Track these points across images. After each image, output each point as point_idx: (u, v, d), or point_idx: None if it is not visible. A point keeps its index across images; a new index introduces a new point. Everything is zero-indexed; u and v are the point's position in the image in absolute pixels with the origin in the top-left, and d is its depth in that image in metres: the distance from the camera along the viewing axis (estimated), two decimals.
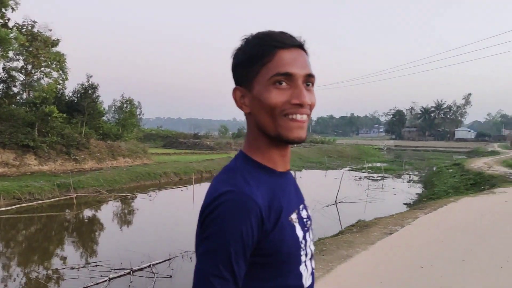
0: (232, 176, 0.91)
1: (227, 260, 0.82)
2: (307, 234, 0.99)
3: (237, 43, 0.98)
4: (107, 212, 13.21)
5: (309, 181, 23.74)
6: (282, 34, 0.94)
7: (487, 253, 5.59)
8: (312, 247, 1.03)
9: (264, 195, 0.88)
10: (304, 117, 0.93)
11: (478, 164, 22.28)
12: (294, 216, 0.95)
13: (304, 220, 1.00)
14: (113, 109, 34.73)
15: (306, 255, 0.98)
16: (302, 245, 0.96)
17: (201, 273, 0.84)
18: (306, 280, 0.98)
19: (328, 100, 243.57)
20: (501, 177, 15.83)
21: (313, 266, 1.04)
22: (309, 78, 0.93)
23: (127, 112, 31.14)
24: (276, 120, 0.91)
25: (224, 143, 43.94)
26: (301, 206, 1.02)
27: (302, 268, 0.96)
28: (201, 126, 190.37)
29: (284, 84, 0.90)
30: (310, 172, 27.56)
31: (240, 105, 0.98)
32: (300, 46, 0.95)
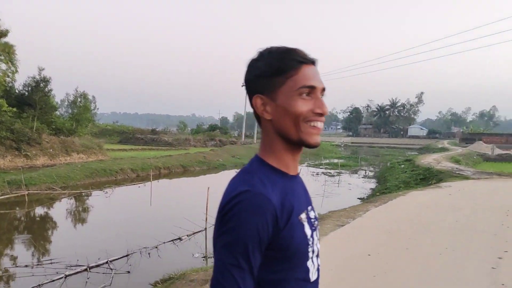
0: (249, 177, 1.01)
1: (245, 252, 0.93)
2: (314, 233, 1.09)
3: (248, 52, 1.11)
4: (61, 210, 12.79)
5: None
6: (302, 51, 1.07)
7: (428, 242, 6.02)
8: (319, 246, 1.13)
9: (277, 196, 0.99)
10: (322, 125, 1.06)
11: (428, 160, 23.44)
12: (303, 216, 1.05)
13: (312, 220, 1.10)
14: (66, 103, 33.49)
15: (313, 252, 1.08)
16: (310, 243, 1.06)
17: (221, 263, 0.94)
18: (313, 275, 1.08)
19: None
20: (447, 172, 16.79)
21: (319, 263, 1.14)
22: (323, 91, 1.07)
23: (81, 106, 30.12)
24: (299, 127, 1.03)
25: (183, 139, 43.54)
26: (309, 207, 1.12)
27: (309, 263, 1.07)
28: (159, 121, 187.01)
29: (305, 95, 1.03)
30: None
31: (261, 112, 1.07)
32: (314, 62, 1.08)
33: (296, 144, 1.06)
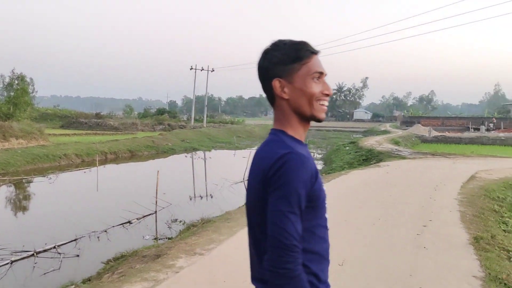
0: (283, 143, 1.24)
1: (298, 201, 1.15)
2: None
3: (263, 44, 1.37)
4: (1, 197, 12.24)
5: (218, 161, 24.22)
6: (310, 43, 1.33)
7: (365, 214, 6.60)
8: None
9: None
10: (327, 103, 1.33)
11: (371, 142, 24.67)
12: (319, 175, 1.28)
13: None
14: (1, 85, 31.36)
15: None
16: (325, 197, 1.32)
17: (280, 212, 1.14)
18: (327, 224, 1.34)
19: (237, 81, 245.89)
20: (387, 153, 17.87)
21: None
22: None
23: (19, 89, 28.38)
24: (312, 105, 1.28)
25: (130, 123, 42.36)
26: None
27: (326, 214, 1.33)
28: (104, 105, 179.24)
29: (316, 79, 1.29)
30: (219, 152, 28.02)
31: (279, 93, 1.30)
32: (318, 53, 1.34)
33: (308, 119, 1.31)
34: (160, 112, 56.06)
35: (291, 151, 1.18)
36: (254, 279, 1.36)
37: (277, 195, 1.15)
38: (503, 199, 8.39)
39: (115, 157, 21.30)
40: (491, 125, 47.11)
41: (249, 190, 1.33)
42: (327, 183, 9.68)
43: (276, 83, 1.29)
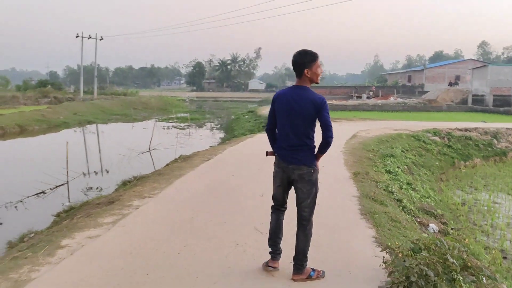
0: (313, 92, 3.22)
1: (329, 113, 3.20)
2: None
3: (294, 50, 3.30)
4: None
5: (118, 133, 23.86)
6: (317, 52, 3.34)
7: (270, 167, 7.85)
8: None
9: None
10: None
11: (268, 110, 26.48)
12: None
13: None
14: None
15: None
16: None
17: (328, 116, 3.18)
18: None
19: (126, 50, 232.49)
20: None
21: None
22: None
23: None
24: (317, 78, 3.27)
25: (10, 96, 38.35)
26: None
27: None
28: None
29: (319, 67, 3.28)
30: (117, 125, 27.42)
31: (306, 73, 3.19)
32: None
33: (314, 83, 3.27)
34: (43, 84, 51.34)
35: (323, 97, 3.21)
36: (286, 147, 3.29)
37: (326, 110, 3.18)
38: (376, 150, 10.45)
39: (3, 133, 19.75)
40: (371, 93, 53.03)
41: (295, 109, 3.18)
42: (236, 144, 10.89)
43: (306, 71, 3.20)
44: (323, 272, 3.27)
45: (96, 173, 12.04)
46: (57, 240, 3.88)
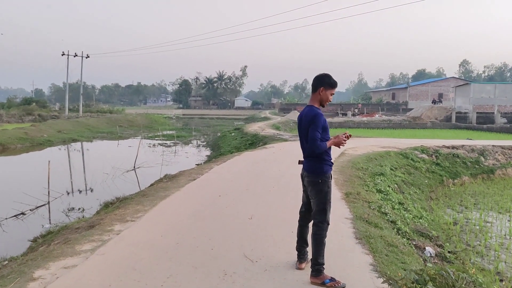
0: (317, 109, 3.57)
1: (320, 127, 3.46)
2: None
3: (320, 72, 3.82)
4: None
5: (103, 151, 23.39)
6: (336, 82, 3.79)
7: (261, 184, 7.72)
8: None
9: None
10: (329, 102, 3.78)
11: (254, 128, 26.38)
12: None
13: None
14: None
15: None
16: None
17: (314, 131, 3.43)
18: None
19: (112, 68, 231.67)
20: (271, 137, 19.57)
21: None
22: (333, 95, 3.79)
23: None
24: (325, 102, 3.65)
25: None
26: None
27: (328, 135, 3.62)
28: None
29: (330, 95, 3.65)
30: (102, 143, 26.96)
31: (319, 92, 3.59)
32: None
33: (322, 105, 3.65)
34: (27, 101, 50.48)
35: (320, 112, 3.53)
36: (304, 158, 3.66)
37: (315, 124, 3.45)
38: (366, 169, 10.31)
39: None
40: (356, 110, 53.55)
41: (302, 127, 3.59)
42: (223, 163, 10.60)
43: (321, 89, 3.60)
44: (343, 284, 3.35)
45: (80, 192, 11.65)
46: (30, 271, 3.56)
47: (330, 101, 3.63)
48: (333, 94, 3.66)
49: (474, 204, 10.32)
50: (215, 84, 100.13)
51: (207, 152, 21.80)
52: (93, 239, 4.28)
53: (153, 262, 3.72)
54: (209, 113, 77.06)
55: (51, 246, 4.37)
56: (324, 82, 3.56)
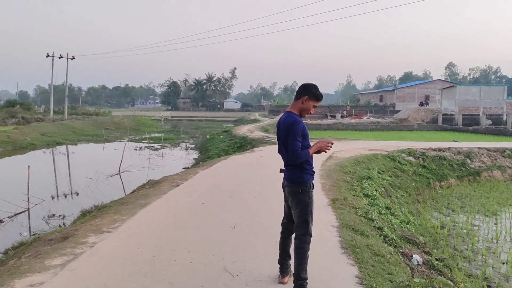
0: (296, 116, 3.37)
1: (299, 135, 3.27)
2: None
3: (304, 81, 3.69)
4: None
5: (87, 155, 22.97)
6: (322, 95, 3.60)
7: (247, 190, 7.51)
8: None
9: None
10: (309, 114, 3.52)
11: (243, 130, 26.18)
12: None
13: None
14: None
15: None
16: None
17: (294, 139, 3.23)
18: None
19: (99, 69, 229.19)
20: (259, 139, 19.38)
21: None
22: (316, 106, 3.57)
23: None
24: (305, 113, 3.44)
25: None
26: None
27: (309, 142, 3.44)
28: None
29: (313, 107, 3.44)
30: (87, 146, 26.48)
31: (302, 101, 3.40)
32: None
33: (301, 115, 3.42)
34: (11, 103, 49.57)
35: (298, 119, 3.32)
36: (284, 166, 3.46)
37: (293, 133, 3.26)
38: (353, 172, 10.20)
39: None
40: (345, 112, 53.69)
41: (280, 134, 3.40)
42: (209, 168, 10.39)
43: (305, 98, 3.40)
44: None
45: (62, 197, 11.33)
46: None
47: (310, 113, 3.45)
48: (315, 107, 3.47)
49: (461, 207, 10.28)
50: (204, 86, 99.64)
51: (195, 155, 21.53)
52: (65, 253, 4.05)
53: (126, 279, 3.51)
54: (198, 115, 76.63)
55: (22, 259, 4.13)
56: (309, 92, 3.38)
